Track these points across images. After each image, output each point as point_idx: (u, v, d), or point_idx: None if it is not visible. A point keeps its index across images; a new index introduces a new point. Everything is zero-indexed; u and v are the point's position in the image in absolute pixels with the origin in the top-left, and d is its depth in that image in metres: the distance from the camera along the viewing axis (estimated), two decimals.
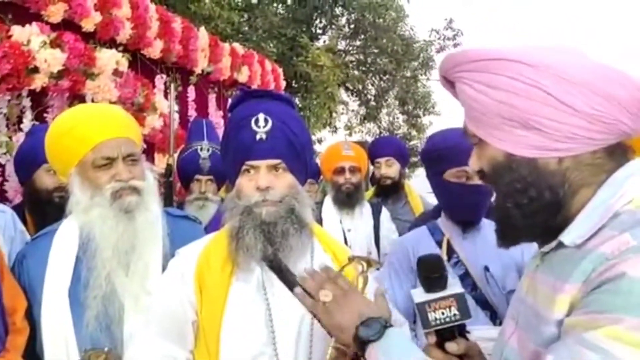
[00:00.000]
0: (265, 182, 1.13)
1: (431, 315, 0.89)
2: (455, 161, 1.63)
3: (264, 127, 1.15)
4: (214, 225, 1.75)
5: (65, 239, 1.38)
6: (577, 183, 0.79)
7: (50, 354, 1.29)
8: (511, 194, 0.81)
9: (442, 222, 1.75)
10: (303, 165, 1.23)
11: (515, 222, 0.82)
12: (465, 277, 1.64)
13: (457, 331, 0.90)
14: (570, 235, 0.78)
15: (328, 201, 2.77)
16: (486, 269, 1.62)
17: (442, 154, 1.69)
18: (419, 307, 0.91)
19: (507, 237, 0.87)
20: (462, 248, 1.68)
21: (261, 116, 1.15)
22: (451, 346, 0.89)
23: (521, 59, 0.78)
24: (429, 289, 0.92)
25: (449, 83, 0.89)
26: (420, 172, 11.89)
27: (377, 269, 1.25)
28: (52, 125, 1.45)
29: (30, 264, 1.38)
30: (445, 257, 1.65)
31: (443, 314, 0.89)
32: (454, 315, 0.89)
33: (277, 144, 1.15)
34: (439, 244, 1.70)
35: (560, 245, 0.80)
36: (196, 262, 1.19)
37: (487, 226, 1.67)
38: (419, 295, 0.93)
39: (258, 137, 1.14)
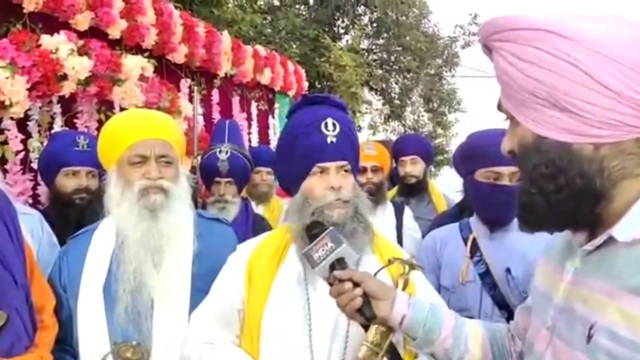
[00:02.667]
0: (338, 182, 1.21)
1: (315, 256, 1.06)
2: (484, 161, 1.65)
3: (333, 130, 1.23)
4: (236, 226, 1.77)
5: (103, 236, 1.46)
6: (619, 172, 0.70)
7: (85, 346, 1.35)
8: (536, 179, 0.74)
9: (473, 220, 1.77)
10: (358, 167, 1.34)
11: (537, 210, 0.75)
12: (485, 276, 1.66)
13: (341, 263, 1.05)
14: (625, 230, 0.69)
15: None
16: (508, 270, 1.62)
17: (472, 154, 1.71)
18: (306, 256, 1.08)
19: (528, 223, 0.80)
20: (487, 247, 1.69)
21: (330, 120, 1.23)
22: (337, 273, 1.03)
23: (556, 29, 0.69)
24: (312, 242, 1.09)
25: (489, 51, 0.81)
26: (446, 171, 11.73)
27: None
28: (103, 127, 1.57)
29: (70, 260, 1.46)
30: (467, 254, 1.69)
31: (323, 250, 1.06)
32: (331, 247, 1.06)
33: (344, 146, 1.24)
34: (466, 241, 1.73)
35: (610, 241, 0.71)
36: (249, 254, 1.28)
37: (518, 229, 1.66)
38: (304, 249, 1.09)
39: (329, 140, 1.22)
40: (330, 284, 1.06)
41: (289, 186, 1.30)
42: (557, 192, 0.72)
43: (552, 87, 0.70)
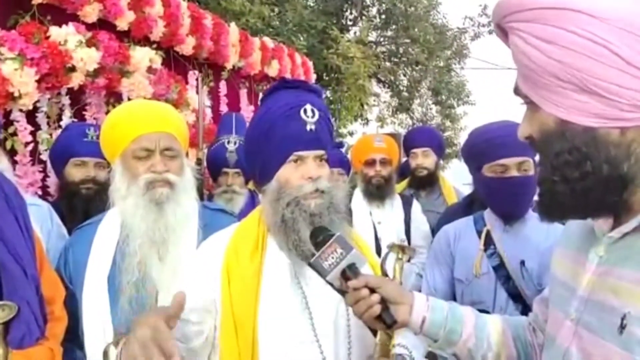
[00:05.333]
0: (316, 172, 1.15)
1: (325, 264, 1.01)
2: (491, 156, 1.63)
3: (312, 117, 1.16)
4: (243, 217, 1.76)
5: (108, 227, 1.46)
6: None
7: (90, 337, 1.35)
8: (560, 167, 0.70)
9: (488, 213, 1.76)
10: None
11: (561, 199, 0.72)
12: (499, 269, 1.65)
13: (352, 269, 1.01)
14: None
15: (358, 193, 2.75)
16: (522, 263, 1.61)
17: (479, 150, 1.69)
18: (314, 265, 1.02)
19: (550, 213, 0.76)
20: (501, 240, 1.68)
21: (309, 107, 1.16)
22: (352, 282, 0.98)
23: (585, 9, 0.65)
24: (319, 250, 1.04)
25: (503, 33, 0.77)
26: (455, 163, 11.66)
27: (409, 260, 1.28)
28: (105, 119, 1.55)
29: (75, 251, 1.46)
30: (481, 247, 1.69)
31: (333, 257, 1.01)
32: (341, 253, 1.00)
33: (322, 135, 1.18)
34: (480, 234, 1.72)
35: (638, 228, 0.69)
36: (224, 253, 1.19)
37: (533, 221, 1.66)
38: (312, 258, 1.04)
39: (308, 127, 1.15)
40: (340, 290, 1.03)
41: (262, 175, 1.20)
42: (583, 179, 0.69)
43: (578, 69, 0.66)
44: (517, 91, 0.77)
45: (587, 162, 0.68)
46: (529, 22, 0.70)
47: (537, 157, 1.49)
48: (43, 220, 1.72)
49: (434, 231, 2.65)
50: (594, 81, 0.66)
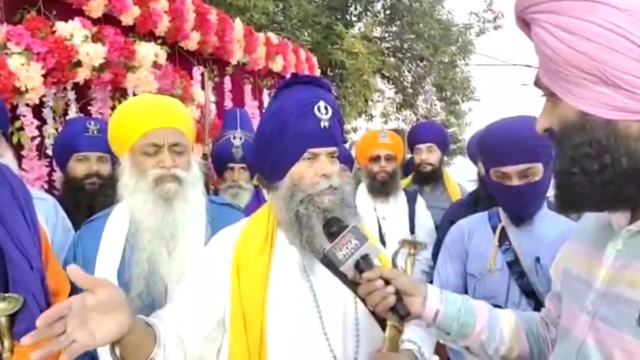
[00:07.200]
0: (329, 169, 1.15)
1: (339, 254, 1.01)
2: (495, 161, 1.60)
3: (326, 114, 1.16)
4: (248, 213, 1.77)
5: (116, 221, 1.46)
6: None
7: None
8: (579, 159, 0.70)
9: (502, 209, 1.75)
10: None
11: (580, 191, 0.71)
12: (513, 265, 1.64)
13: (366, 260, 1.01)
14: None
15: (362, 189, 2.75)
16: (537, 259, 1.60)
17: (485, 152, 1.68)
18: (329, 255, 1.03)
19: (568, 205, 0.76)
20: (516, 236, 1.67)
21: (322, 104, 1.16)
22: (367, 274, 0.99)
23: (608, 0, 0.65)
24: (332, 240, 1.04)
25: (525, 25, 0.76)
26: (459, 160, 11.62)
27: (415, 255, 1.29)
28: (113, 114, 1.55)
29: (84, 244, 1.47)
30: (496, 243, 1.68)
31: (347, 248, 1.01)
32: (355, 244, 1.01)
33: (335, 131, 1.18)
34: (494, 229, 1.71)
35: None
36: (234, 245, 1.21)
37: (549, 218, 1.65)
38: (326, 248, 1.04)
39: (322, 124, 1.15)
40: (351, 282, 1.03)
41: (273, 171, 1.20)
42: (601, 172, 0.69)
43: (601, 61, 0.66)
44: (537, 83, 0.77)
45: (607, 155, 0.68)
46: (552, 13, 0.69)
47: (544, 158, 1.49)
48: (48, 213, 1.73)
49: (437, 227, 2.65)
50: (615, 73, 0.66)
